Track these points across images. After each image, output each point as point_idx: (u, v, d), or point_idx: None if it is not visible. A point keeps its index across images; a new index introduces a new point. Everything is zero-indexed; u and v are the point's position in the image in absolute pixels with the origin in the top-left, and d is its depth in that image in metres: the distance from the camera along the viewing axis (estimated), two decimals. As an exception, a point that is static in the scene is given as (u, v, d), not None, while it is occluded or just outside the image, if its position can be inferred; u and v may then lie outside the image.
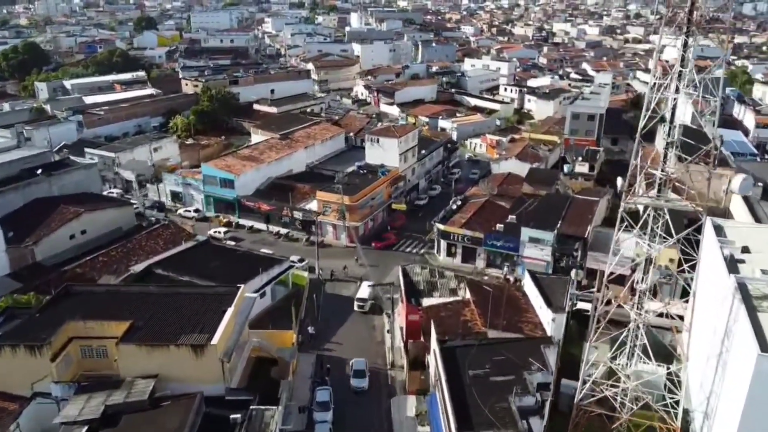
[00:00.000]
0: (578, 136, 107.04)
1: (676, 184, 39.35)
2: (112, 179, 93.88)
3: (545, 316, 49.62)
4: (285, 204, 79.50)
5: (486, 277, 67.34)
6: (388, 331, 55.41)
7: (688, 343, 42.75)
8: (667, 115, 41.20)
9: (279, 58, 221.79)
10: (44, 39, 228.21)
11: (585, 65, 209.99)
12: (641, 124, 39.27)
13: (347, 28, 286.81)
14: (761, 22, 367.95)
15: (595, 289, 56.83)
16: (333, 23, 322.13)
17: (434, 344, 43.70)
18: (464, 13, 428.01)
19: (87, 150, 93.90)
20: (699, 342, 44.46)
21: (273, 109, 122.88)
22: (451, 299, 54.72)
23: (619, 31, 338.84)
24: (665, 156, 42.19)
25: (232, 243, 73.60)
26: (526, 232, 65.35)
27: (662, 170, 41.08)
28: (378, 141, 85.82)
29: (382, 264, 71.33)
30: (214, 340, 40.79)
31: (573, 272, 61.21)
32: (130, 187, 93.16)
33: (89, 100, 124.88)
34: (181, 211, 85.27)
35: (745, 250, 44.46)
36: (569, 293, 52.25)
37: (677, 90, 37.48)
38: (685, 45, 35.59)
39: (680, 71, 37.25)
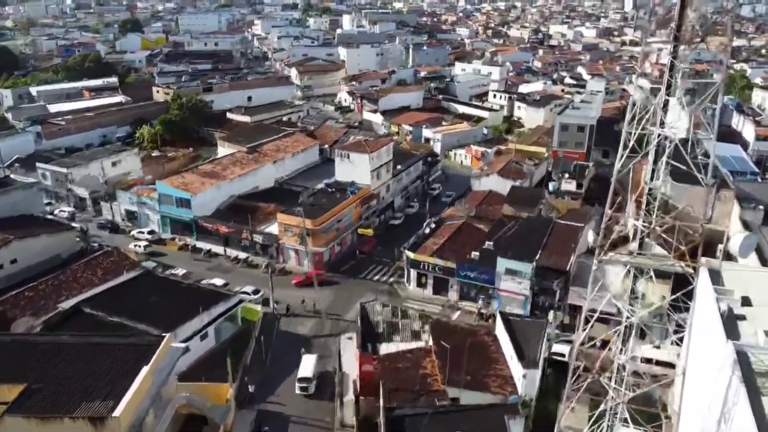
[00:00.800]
0: (567, 149, 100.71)
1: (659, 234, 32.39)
2: (65, 196, 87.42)
3: (517, 369, 43.22)
4: (245, 226, 73.08)
5: (459, 312, 61.06)
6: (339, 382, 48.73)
7: (680, 402, 36.38)
8: (654, 125, 34.32)
9: (266, 62, 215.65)
10: (24, 42, 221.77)
11: (580, 69, 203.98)
12: (620, 157, 32.55)
13: (338, 31, 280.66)
14: (760, 24, 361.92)
15: (575, 333, 50.52)
16: (325, 25, 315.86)
17: (381, 411, 37.29)
18: (460, 14, 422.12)
19: (38, 165, 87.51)
20: (691, 405, 38.09)
21: (246, 118, 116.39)
22: (413, 345, 48.33)
23: (616, 33, 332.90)
24: (653, 173, 35.23)
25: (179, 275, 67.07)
26: (502, 263, 58.92)
27: (649, 189, 34.22)
28: (348, 157, 79.38)
29: (347, 294, 64.87)
30: (118, 411, 34.19)
31: (551, 314, 54.81)
32: (84, 205, 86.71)
33: (54, 108, 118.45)
34: (134, 232, 78.77)
35: (746, 302, 38.11)
36: (545, 340, 45.77)
37: (668, 92, 30.61)
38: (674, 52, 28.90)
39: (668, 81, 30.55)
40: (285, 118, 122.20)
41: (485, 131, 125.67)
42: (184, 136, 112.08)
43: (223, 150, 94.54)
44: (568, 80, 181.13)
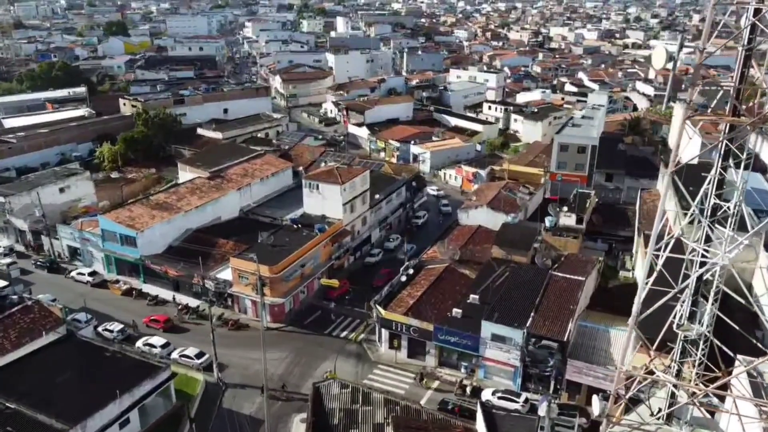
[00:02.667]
0: (566, 171, 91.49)
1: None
2: (3, 228, 78.15)
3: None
4: (196, 270, 63.78)
5: (436, 382, 51.69)
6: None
7: None
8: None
9: (254, 67, 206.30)
10: (0, 45, 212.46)
11: (581, 74, 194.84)
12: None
13: (332, 33, 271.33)
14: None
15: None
16: (319, 28, 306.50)
17: None
18: (460, 15, 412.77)
19: (-27, 193, 78.25)
20: None
21: (218, 134, 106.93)
22: (372, 446, 39.02)
23: (618, 35, 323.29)
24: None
25: (114, 331, 57.72)
26: (487, 328, 49.51)
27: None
28: (317, 187, 70.08)
29: (306, 355, 55.55)
30: None
31: (544, 407, 45.22)
32: (25, 238, 77.46)
33: (9, 123, 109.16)
34: (74, 273, 69.53)
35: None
36: (536, 447, 36.41)
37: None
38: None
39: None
40: (261, 134, 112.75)
41: (479, 147, 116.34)
42: (148, 154, 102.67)
43: (184, 175, 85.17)
44: (568, 87, 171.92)
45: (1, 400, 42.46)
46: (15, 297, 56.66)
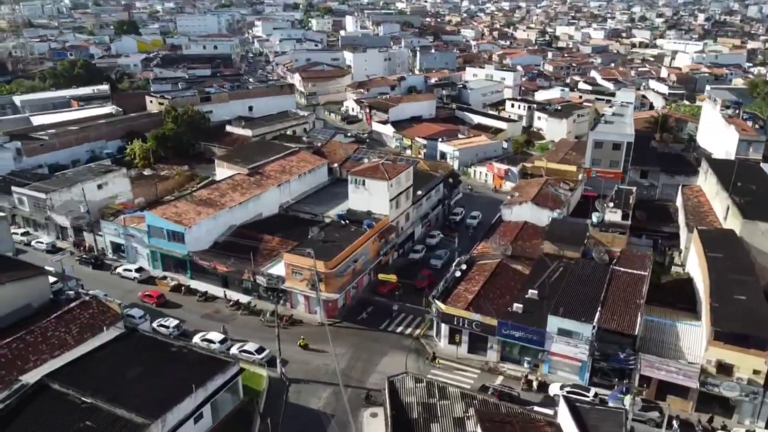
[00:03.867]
0: (601, 168, 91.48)
1: None
2: (45, 225, 77.84)
3: (595, 482, 33.75)
4: (246, 265, 63.59)
5: (501, 377, 51.58)
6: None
7: None
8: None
9: (267, 66, 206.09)
10: (14, 44, 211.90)
11: (594, 73, 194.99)
12: None
13: (342, 32, 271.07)
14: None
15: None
16: (328, 27, 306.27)
17: None
18: (464, 15, 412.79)
19: (14, 189, 77.89)
20: None
21: (248, 132, 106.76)
22: (457, 440, 38.85)
23: (624, 34, 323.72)
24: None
25: (170, 327, 57.54)
26: (554, 323, 49.38)
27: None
28: (364, 183, 69.85)
29: (365, 351, 55.38)
30: None
31: (627, 400, 45.18)
32: (66, 235, 77.19)
33: (37, 120, 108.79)
34: (120, 269, 69.26)
35: None
36: (626, 438, 36.23)
37: None
38: None
39: None
40: (289, 131, 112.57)
41: (505, 145, 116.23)
42: (179, 151, 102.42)
43: (222, 171, 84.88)
44: (582, 85, 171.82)
45: (77, 395, 42.25)
46: (71, 292, 56.24)
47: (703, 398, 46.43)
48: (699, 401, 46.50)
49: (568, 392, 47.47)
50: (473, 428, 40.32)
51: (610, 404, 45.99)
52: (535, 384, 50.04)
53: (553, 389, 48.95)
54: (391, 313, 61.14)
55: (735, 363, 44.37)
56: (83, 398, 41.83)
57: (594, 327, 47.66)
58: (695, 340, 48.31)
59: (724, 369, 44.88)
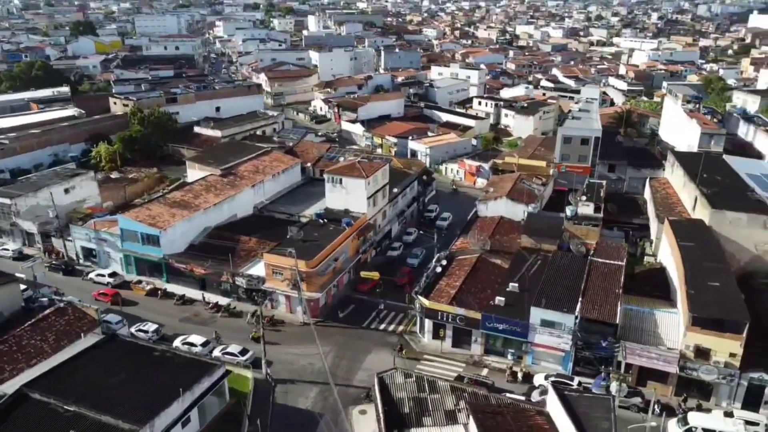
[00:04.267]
0: (570, 163, 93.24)
1: None
2: (10, 231, 75.30)
3: (588, 468, 34.46)
4: (224, 267, 62.78)
5: (486, 370, 52.14)
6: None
7: None
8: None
9: (231, 66, 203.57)
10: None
11: (555, 71, 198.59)
12: None
13: (304, 32, 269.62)
14: (719, 24, 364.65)
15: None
16: (289, 27, 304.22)
17: None
18: (425, 14, 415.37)
19: (-25, 195, 75.18)
20: None
21: (217, 133, 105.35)
22: (450, 433, 39.16)
23: (582, 33, 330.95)
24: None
25: (149, 332, 56.37)
26: (537, 314, 50.21)
27: None
28: (341, 182, 69.71)
29: (350, 349, 55.29)
30: None
31: (614, 386, 46.18)
32: (33, 241, 74.82)
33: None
34: (92, 275, 67.50)
35: None
36: (615, 424, 37.04)
37: None
38: None
39: None
40: (259, 132, 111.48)
41: (474, 142, 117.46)
42: (147, 153, 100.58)
43: (193, 173, 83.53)
44: (544, 83, 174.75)
45: (59, 404, 41.05)
46: (45, 299, 54.55)
47: (681, 382, 47.85)
48: (678, 385, 47.89)
49: (552, 382, 48.21)
50: (465, 420, 40.73)
51: (594, 392, 47.00)
52: (519, 375, 50.81)
53: (538, 380, 49.80)
54: (373, 311, 61.10)
55: (712, 347, 45.85)
56: (66, 407, 40.73)
57: (576, 317, 48.63)
58: (673, 326, 49.70)
59: (702, 353, 46.33)
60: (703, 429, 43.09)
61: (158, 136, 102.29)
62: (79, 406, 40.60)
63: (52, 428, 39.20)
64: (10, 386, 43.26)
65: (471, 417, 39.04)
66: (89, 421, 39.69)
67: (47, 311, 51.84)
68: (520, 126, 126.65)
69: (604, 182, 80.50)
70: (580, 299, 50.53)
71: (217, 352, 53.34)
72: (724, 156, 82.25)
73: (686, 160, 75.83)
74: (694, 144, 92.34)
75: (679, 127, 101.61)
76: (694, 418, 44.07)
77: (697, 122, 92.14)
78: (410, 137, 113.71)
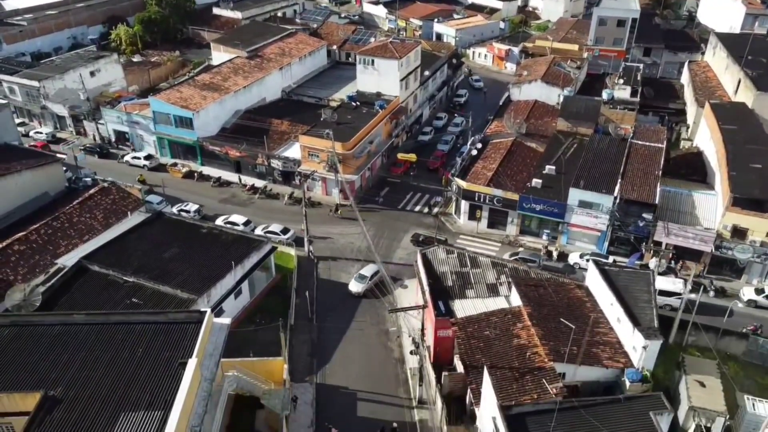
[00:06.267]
0: (604, 46, 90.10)
1: None
2: (39, 115, 75.30)
3: (626, 335, 36.24)
4: (259, 149, 63.05)
5: (521, 249, 53.44)
6: (413, 351, 41.04)
7: None
8: None
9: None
10: None
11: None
12: None
13: None
14: None
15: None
16: None
17: (493, 409, 30.23)
18: None
19: (2, 78, 74.34)
20: None
21: (237, 14, 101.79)
22: (494, 304, 40.90)
23: None
24: None
25: (191, 211, 57.67)
26: (575, 195, 50.65)
27: None
28: (373, 63, 68.10)
29: (387, 229, 56.62)
30: (170, 428, 26.79)
31: (653, 261, 47.24)
32: (64, 124, 74.97)
33: (10, 4, 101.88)
34: (128, 157, 68.13)
35: None
36: (655, 298, 38.49)
37: None
38: None
39: None
40: (279, 13, 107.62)
41: (502, 25, 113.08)
42: (166, 36, 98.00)
43: (219, 55, 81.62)
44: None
45: (117, 275, 42.98)
46: (88, 179, 55.55)
47: (714, 261, 48.97)
48: (710, 264, 49.07)
49: (587, 261, 49.66)
50: (506, 292, 42.44)
51: (651, 263, 48.30)
52: (554, 254, 52.12)
53: (573, 258, 51.11)
54: (407, 193, 61.85)
55: (749, 227, 46.47)
56: (125, 278, 42.71)
57: (615, 197, 49.03)
58: (710, 207, 50.17)
59: (739, 233, 47.08)
60: None
61: (177, 18, 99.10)
62: (138, 277, 42.60)
63: (114, 297, 41.27)
64: (68, 259, 45.07)
65: (513, 288, 40.67)
66: (149, 290, 41.70)
67: (92, 191, 52.97)
68: (549, 8, 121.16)
69: (641, 66, 78.00)
70: (619, 180, 50.71)
71: (259, 231, 54.82)
72: (769, 38, 79.00)
73: (730, 42, 72.98)
74: (737, 25, 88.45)
75: (720, 8, 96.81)
76: None
77: (741, 1, 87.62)
78: (436, 19, 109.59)
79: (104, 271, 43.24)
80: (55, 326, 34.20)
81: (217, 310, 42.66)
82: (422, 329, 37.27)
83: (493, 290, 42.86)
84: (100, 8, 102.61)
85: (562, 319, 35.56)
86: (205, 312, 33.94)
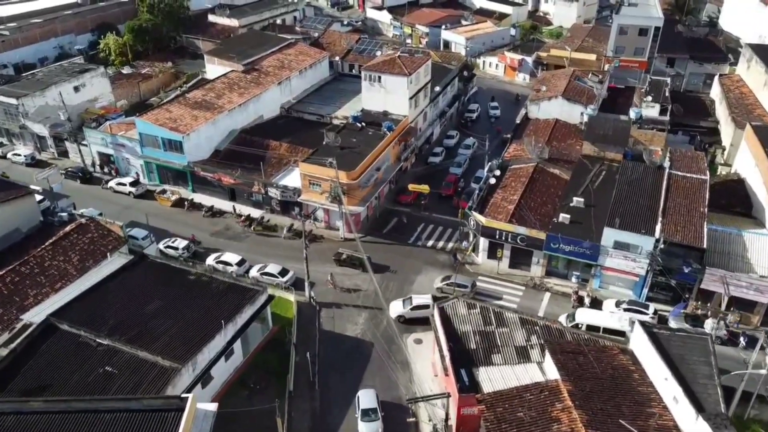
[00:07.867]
0: (624, 56, 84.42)
1: None
2: (20, 134, 69.64)
3: (686, 419, 30.56)
4: (255, 176, 57.39)
5: (547, 294, 47.76)
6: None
7: None
8: None
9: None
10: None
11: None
12: None
13: None
14: None
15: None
16: None
17: None
18: None
19: (-22, 95, 68.71)
20: None
21: (233, 22, 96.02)
22: (528, 377, 35.16)
23: None
24: None
25: (179, 248, 52.01)
26: (610, 235, 44.95)
27: None
28: (379, 80, 62.36)
29: (400, 270, 50.87)
30: None
31: (709, 324, 41.41)
32: (45, 145, 69.33)
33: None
34: (112, 183, 62.46)
35: None
36: (716, 369, 32.80)
37: None
38: None
39: None
40: (279, 20, 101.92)
41: (513, 32, 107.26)
42: (159, 45, 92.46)
43: (213, 68, 75.81)
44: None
45: (90, 336, 37.38)
46: (64, 214, 49.83)
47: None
48: (766, 315, 43.43)
49: (625, 309, 44.11)
50: (539, 358, 36.78)
51: (671, 322, 42.84)
52: (587, 300, 46.45)
53: (608, 306, 45.43)
54: (419, 225, 56.20)
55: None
56: (99, 340, 37.09)
57: (658, 240, 43.29)
58: (764, 250, 44.49)
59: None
60: (587, 325, 41.47)
61: (170, 26, 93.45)
62: (113, 339, 37.00)
63: (84, 365, 35.70)
64: (36, 314, 39.53)
65: (550, 357, 34.97)
66: (126, 356, 36.16)
67: (68, 228, 47.28)
68: (561, 14, 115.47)
69: (668, 79, 72.28)
70: (660, 219, 45.02)
71: (254, 272, 49.22)
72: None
73: (766, 54, 67.18)
74: (766, 33, 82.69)
75: (747, 14, 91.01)
76: (581, 315, 42.66)
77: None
78: (443, 26, 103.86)
79: (75, 331, 37.65)
80: (8, 415, 28.82)
81: (205, 378, 37.21)
82: (446, 418, 31.58)
83: (523, 354, 37.15)
84: (89, 15, 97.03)
85: (622, 421, 29.72)
86: (186, 399, 28.49)
